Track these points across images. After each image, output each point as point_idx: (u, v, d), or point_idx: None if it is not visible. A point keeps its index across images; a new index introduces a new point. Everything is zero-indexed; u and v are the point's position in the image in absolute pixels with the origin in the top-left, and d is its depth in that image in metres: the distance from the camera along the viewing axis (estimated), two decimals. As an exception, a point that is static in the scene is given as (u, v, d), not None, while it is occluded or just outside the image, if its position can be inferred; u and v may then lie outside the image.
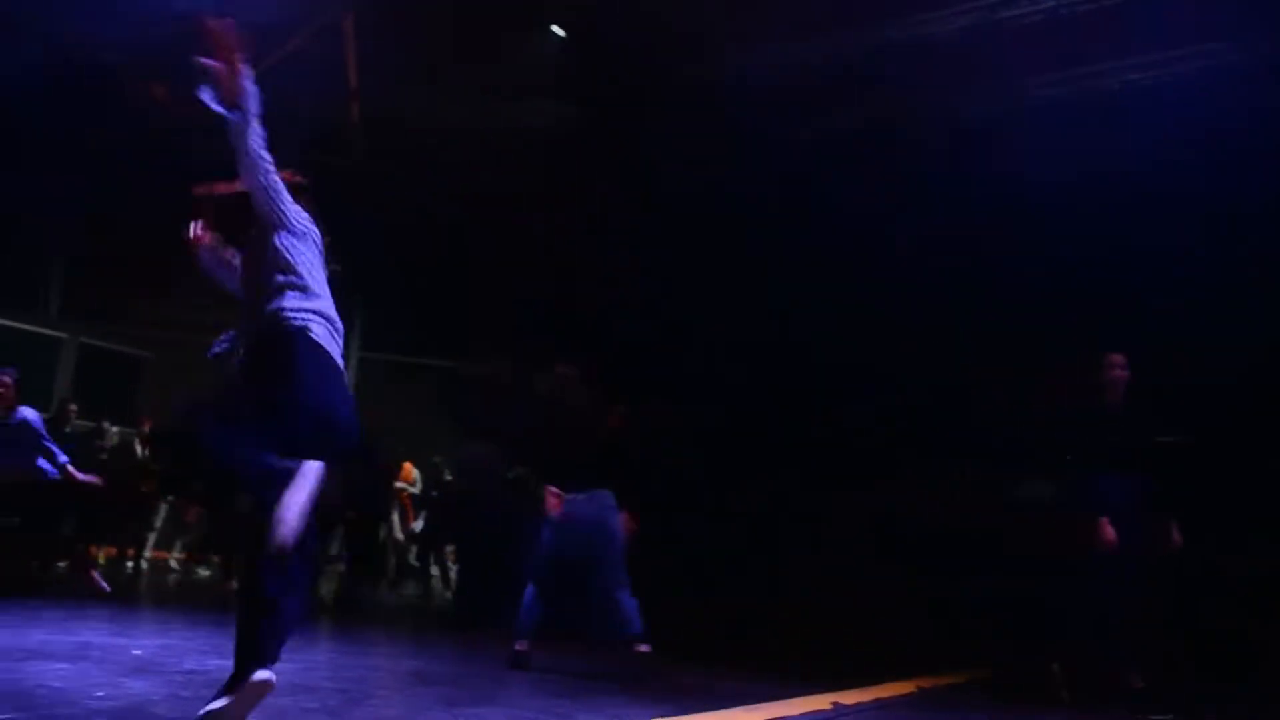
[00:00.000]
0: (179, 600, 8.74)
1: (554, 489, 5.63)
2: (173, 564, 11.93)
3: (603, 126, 14.04)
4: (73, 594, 7.61)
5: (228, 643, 5.34)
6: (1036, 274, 9.30)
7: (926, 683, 6.22)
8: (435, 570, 11.85)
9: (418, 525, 12.30)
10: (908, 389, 10.36)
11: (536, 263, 15.08)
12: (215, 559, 11.38)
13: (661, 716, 4.21)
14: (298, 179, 3.78)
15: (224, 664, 4.59)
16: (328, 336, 3.38)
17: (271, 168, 3.49)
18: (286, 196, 3.53)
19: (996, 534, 8.72)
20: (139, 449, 11.42)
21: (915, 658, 7.21)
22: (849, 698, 5.13)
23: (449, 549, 11.79)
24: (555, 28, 13.75)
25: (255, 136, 3.44)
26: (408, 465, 12.34)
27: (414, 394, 14.55)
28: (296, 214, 3.58)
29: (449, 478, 11.76)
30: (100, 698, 3.66)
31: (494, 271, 15.24)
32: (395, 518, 12.20)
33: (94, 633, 5.47)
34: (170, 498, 11.73)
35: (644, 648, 5.41)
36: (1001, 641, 7.85)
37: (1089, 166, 9.02)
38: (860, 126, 11.04)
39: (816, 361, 10.87)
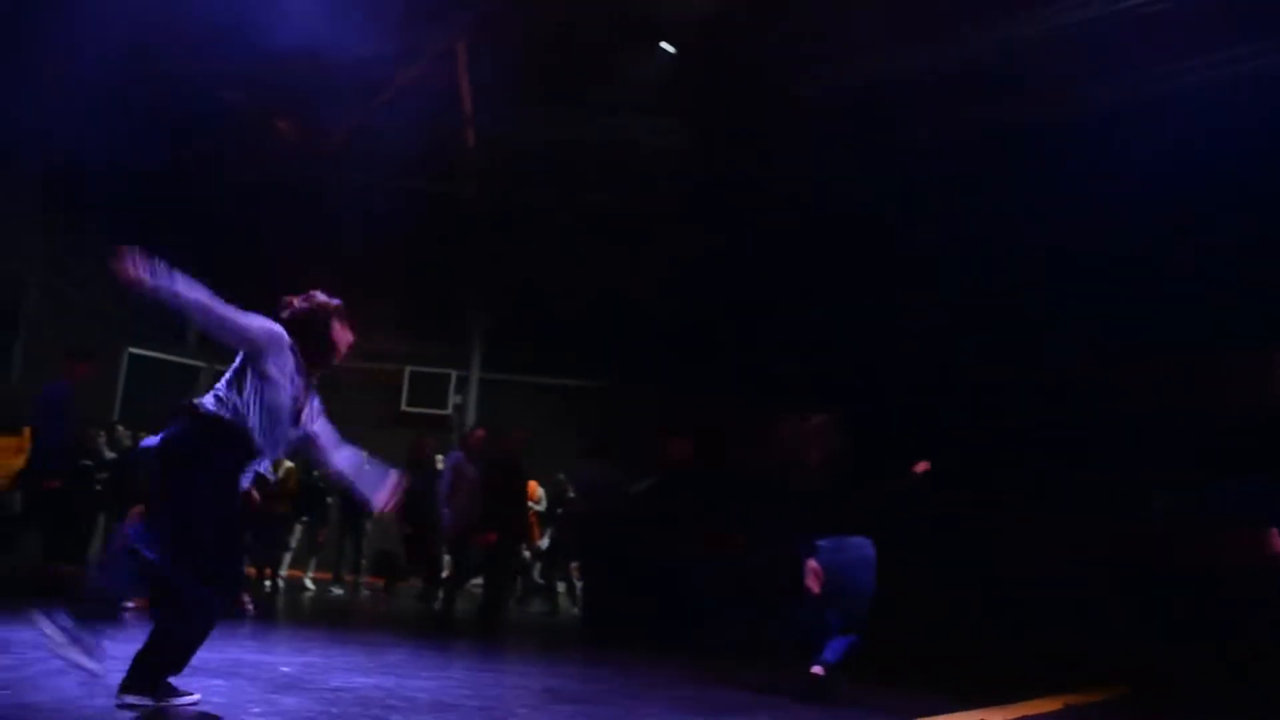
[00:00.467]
0: (316, 618, 8.96)
1: (814, 565, 5.54)
2: (307, 583, 12.25)
3: (718, 140, 14.02)
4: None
5: (370, 662, 5.50)
6: (1183, 266, 8.93)
7: (1074, 699, 6.00)
8: (562, 587, 11.90)
9: (543, 543, 12.38)
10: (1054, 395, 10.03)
11: (657, 279, 15.13)
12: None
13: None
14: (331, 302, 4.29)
15: (368, 682, 4.71)
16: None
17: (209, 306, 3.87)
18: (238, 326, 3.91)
19: (1139, 546, 8.40)
20: (270, 472, 11.78)
21: (1059, 672, 6.97)
22: (996, 715, 4.97)
23: (574, 565, 11.84)
24: (665, 44, 13.80)
25: (181, 301, 3.81)
26: (533, 483, 12.43)
27: (535, 413, 14.69)
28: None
29: (572, 495, 11.84)
30: (256, 714, 3.76)
31: (613, 288, 15.31)
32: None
33: (242, 650, 5.63)
34: (304, 518, 12.08)
35: (817, 669, 5.33)
36: (1146, 655, 7.54)
37: (1228, 156, 8.66)
38: (990, 126, 10.82)
39: (958, 369, 10.63)
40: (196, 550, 3.70)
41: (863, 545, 5.60)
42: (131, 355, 15.06)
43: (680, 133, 14.25)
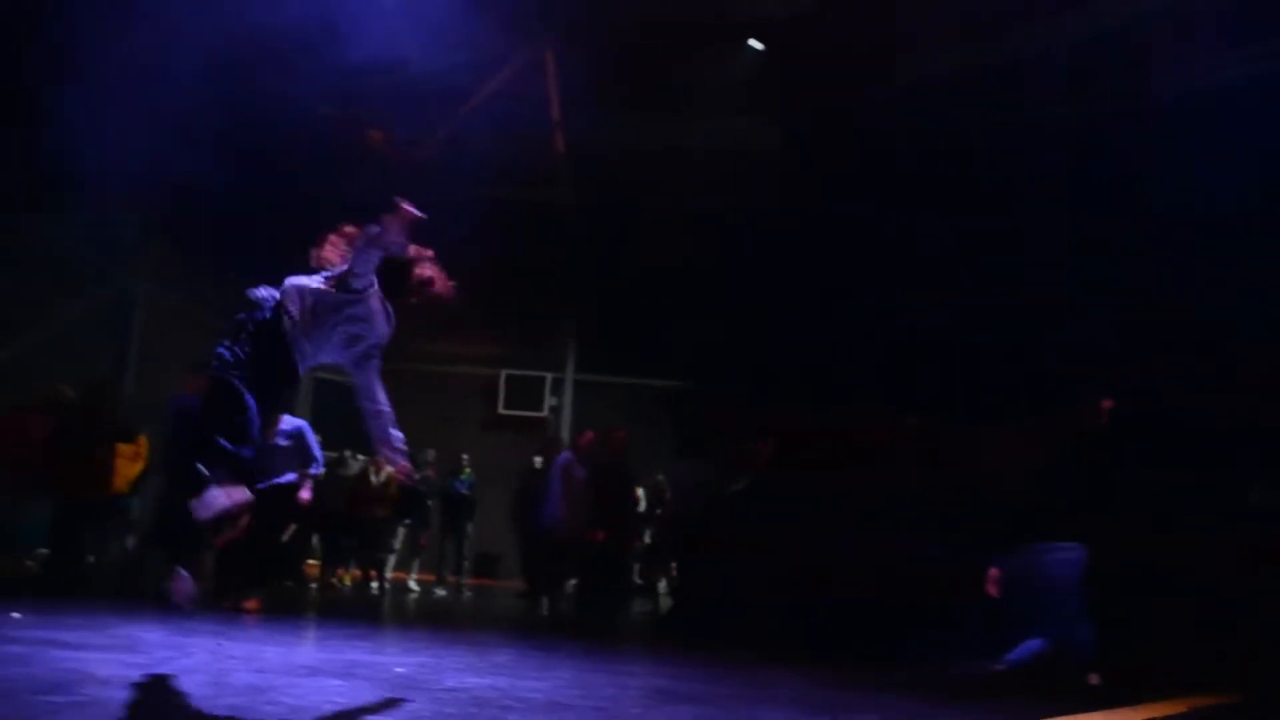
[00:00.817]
0: (422, 620, 9.07)
1: (994, 570, 5.74)
2: (411, 585, 12.44)
3: (810, 136, 13.86)
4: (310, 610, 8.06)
5: (480, 662, 5.54)
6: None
7: (1199, 701, 5.77)
8: (663, 586, 11.91)
9: (643, 543, 12.41)
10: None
11: (752, 279, 15.05)
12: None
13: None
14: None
15: (481, 682, 4.74)
16: None
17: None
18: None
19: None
20: (373, 476, 11.99)
21: (1181, 674, 6.71)
22: (1120, 718, 4.80)
23: (673, 565, 11.83)
24: (752, 41, 13.71)
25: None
26: (632, 484, 12.49)
27: (630, 413, 14.71)
28: None
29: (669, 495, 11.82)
30: (373, 715, 3.80)
31: (705, 287, 15.27)
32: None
33: (357, 651, 5.72)
34: (407, 522, 12.26)
35: (998, 666, 5.33)
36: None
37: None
38: (1090, 109, 10.54)
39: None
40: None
41: (1062, 549, 5.69)
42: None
43: (771, 130, 14.15)
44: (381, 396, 4.64)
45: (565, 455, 9.77)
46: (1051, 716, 4.71)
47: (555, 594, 9.79)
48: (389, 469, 11.57)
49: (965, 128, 12.18)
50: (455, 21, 12.58)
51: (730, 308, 15.32)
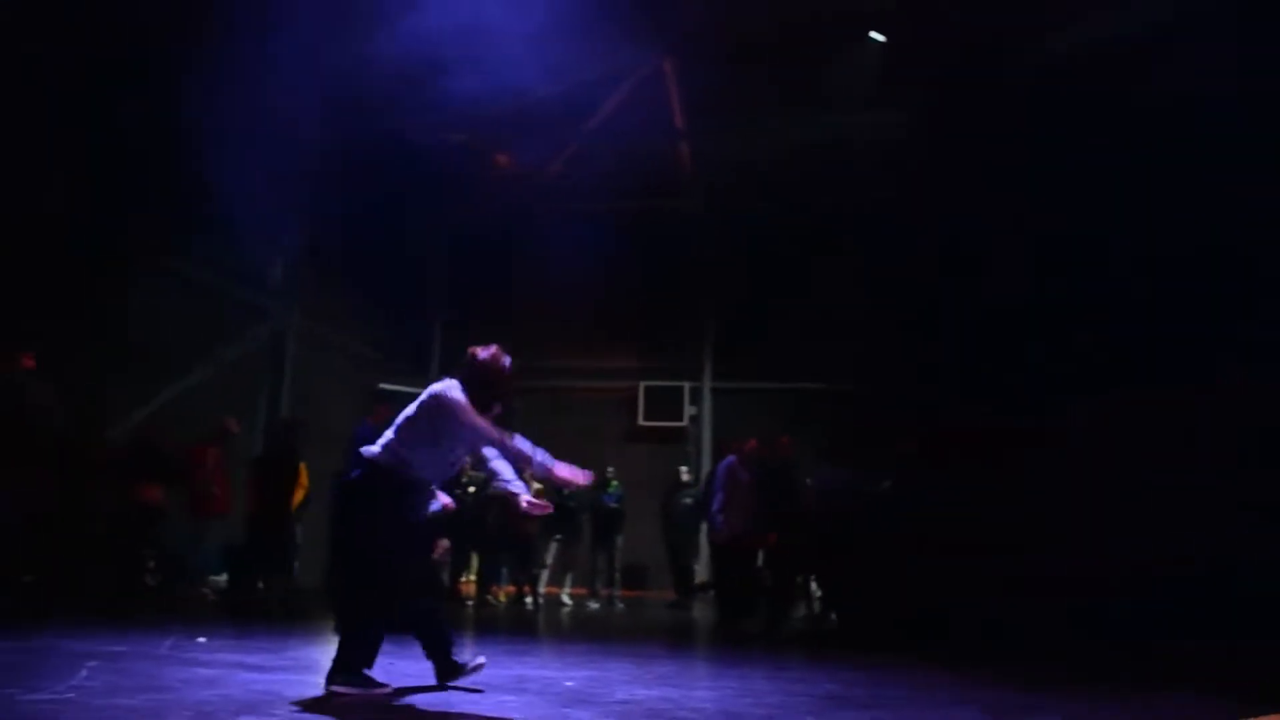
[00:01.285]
0: (579, 633, 9.14)
1: None
2: (564, 599, 12.56)
3: (939, 124, 13.57)
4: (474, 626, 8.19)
5: (645, 673, 5.54)
6: None
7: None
8: (816, 590, 11.73)
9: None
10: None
11: (886, 277, 14.82)
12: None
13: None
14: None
15: (650, 694, 4.73)
16: None
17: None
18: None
19: None
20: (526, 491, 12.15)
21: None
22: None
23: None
24: (874, 34, 13.49)
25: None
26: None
27: (770, 418, 14.60)
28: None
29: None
30: (555, 728, 3.82)
31: (840, 288, 15.09)
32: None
33: (524, 666, 5.79)
34: (559, 537, 12.39)
35: None
36: None
37: None
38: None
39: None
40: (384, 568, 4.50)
41: None
42: (383, 390, 15.89)
43: (899, 121, 13.88)
44: (493, 435, 4.59)
45: (729, 459, 9.55)
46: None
47: (729, 600, 9.67)
48: (536, 485, 11.75)
49: (1093, 103, 11.74)
50: (574, 40, 12.73)
51: (866, 305, 15.09)
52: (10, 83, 9.82)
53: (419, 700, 4.30)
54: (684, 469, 13.90)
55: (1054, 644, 8.42)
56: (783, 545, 9.48)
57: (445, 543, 10.68)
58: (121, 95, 10.71)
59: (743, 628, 9.00)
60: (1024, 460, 9.63)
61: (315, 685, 4.53)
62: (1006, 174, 13.14)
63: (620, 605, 12.65)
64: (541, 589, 12.42)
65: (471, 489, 11.67)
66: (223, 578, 11.52)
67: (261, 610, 9.49)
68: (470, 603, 11.65)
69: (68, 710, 3.63)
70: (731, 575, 9.68)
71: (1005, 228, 13.45)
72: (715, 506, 9.34)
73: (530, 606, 11.60)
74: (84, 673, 4.49)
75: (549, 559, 12.54)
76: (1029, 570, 9.70)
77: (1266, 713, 4.54)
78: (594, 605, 12.37)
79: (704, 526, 14.08)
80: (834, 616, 10.20)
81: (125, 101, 10.72)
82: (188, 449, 10.52)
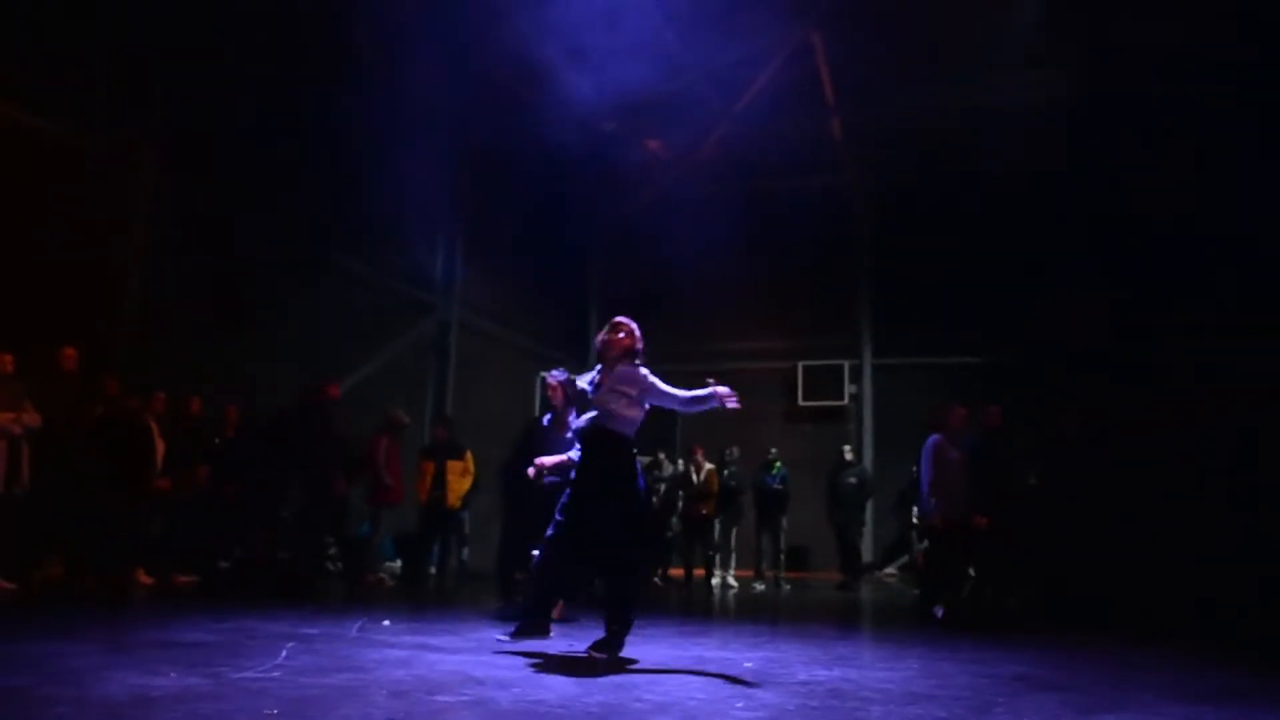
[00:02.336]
0: (750, 614, 9.10)
1: None
2: (730, 580, 12.55)
3: (1100, 84, 12.96)
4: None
5: (824, 654, 5.47)
6: None
7: None
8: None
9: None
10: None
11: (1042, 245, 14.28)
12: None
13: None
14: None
15: (831, 674, 4.66)
16: None
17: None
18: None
19: None
20: (695, 476, 12.22)
21: None
22: None
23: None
24: (1030, -10, 12.94)
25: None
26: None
27: (932, 394, 14.25)
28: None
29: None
30: (740, 709, 3.80)
31: (1001, 259, 14.61)
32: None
33: (701, 648, 5.80)
34: (719, 517, 12.41)
35: None
36: None
37: None
38: None
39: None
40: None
41: None
42: (541, 380, 16.19)
43: (1060, 80, 13.31)
44: (673, 392, 5.29)
45: (934, 437, 8.86)
46: None
47: (939, 587, 8.92)
48: (708, 466, 11.79)
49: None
50: (719, 19, 12.65)
51: (1030, 276, 14.56)
52: (194, 95, 10.39)
53: (602, 680, 4.34)
54: (846, 448, 13.70)
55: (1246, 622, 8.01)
56: (998, 527, 8.73)
57: None
58: (292, 103, 11.18)
59: (951, 614, 8.39)
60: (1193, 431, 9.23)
61: (497, 665, 4.64)
62: (1169, 135, 12.50)
63: (786, 586, 12.57)
64: (716, 570, 12.48)
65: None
66: (397, 564, 11.96)
67: (435, 594, 9.78)
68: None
69: (277, 687, 3.80)
70: (945, 560, 8.96)
71: (1170, 189, 12.82)
72: (924, 488, 8.78)
73: (715, 588, 11.71)
74: (284, 653, 4.70)
75: (718, 540, 12.59)
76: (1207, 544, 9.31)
77: None
78: (759, 587, 12.33)
79: (869, 505, 13.90)
80: (1010, 601, 9.82)
81: (297, 109, 11.20)
82: (363, 441, 10.92)
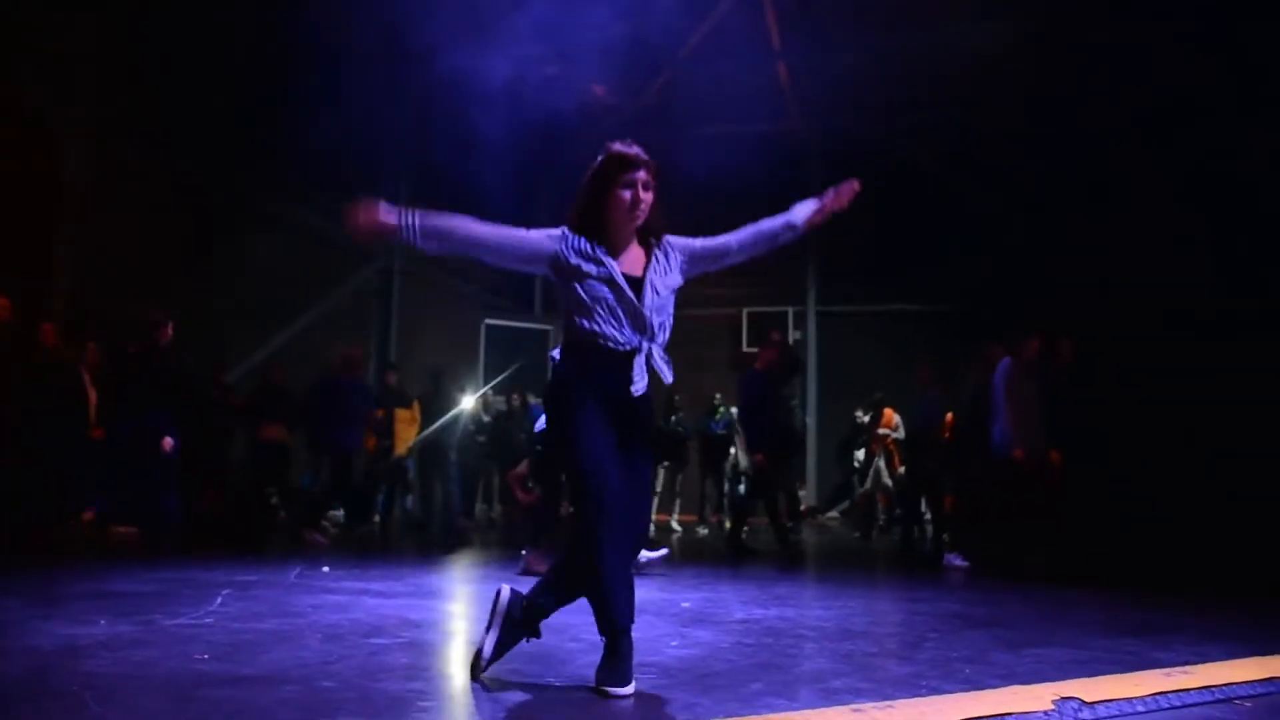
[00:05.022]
0: (693, 558, 9.16)
1: None
2: (674, 525, 12.64)
3: (1050, 36, 12.91)
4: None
5: (763, 594, 5.52)
6: None
7: None
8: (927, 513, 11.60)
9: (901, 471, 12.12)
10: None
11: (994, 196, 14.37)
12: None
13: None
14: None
15: (769, 613, 4.71)
16: None
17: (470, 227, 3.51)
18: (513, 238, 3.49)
19: None
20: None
21: None
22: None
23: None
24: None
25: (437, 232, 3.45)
26: (889, 410, 12.18)
27: (875, 342, 14.40)
28: None
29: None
30: (675, 646, 3.84)
31: (945, 207, 14.69)
32: (882, 463, 12.11)
33: (641, 590, 5.79)
34: (666, 464, 12.46)
35: None
36: None
37: None
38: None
39: None
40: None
41: None
42: (488, 326, 16.11)
43: (1007, 33, 13.29)
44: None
45: (1007, 361, 7.98)
46: None
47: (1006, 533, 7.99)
48: None
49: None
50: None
51: (973, 224, 14.66)
52: (128, 47, 10.09)
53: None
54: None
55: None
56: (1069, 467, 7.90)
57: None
58: (228, 42, 10.91)
59: (1025, 564, 7.56)
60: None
61: (437, 610, 4.64)
62: (1120, 86, 12.57)
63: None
64: (652, 516, 12.53)
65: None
66: (340, 513, 11.90)
67: (379, 542, 9.76)
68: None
69: (208, 633, 3.78)
70: (1015, 501, 7.83)
71: (1112, 144, 12.93)
72: (998, 418, 7.89)
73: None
74: (219, 600, 4.67)
75: (658, 486, 12.62)
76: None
77: None
78: (703, 531, 12.43)
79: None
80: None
81: (237, 58, 10.93)
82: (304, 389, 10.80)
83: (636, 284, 3.32)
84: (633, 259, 3.39)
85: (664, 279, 3.41)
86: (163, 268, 10.38)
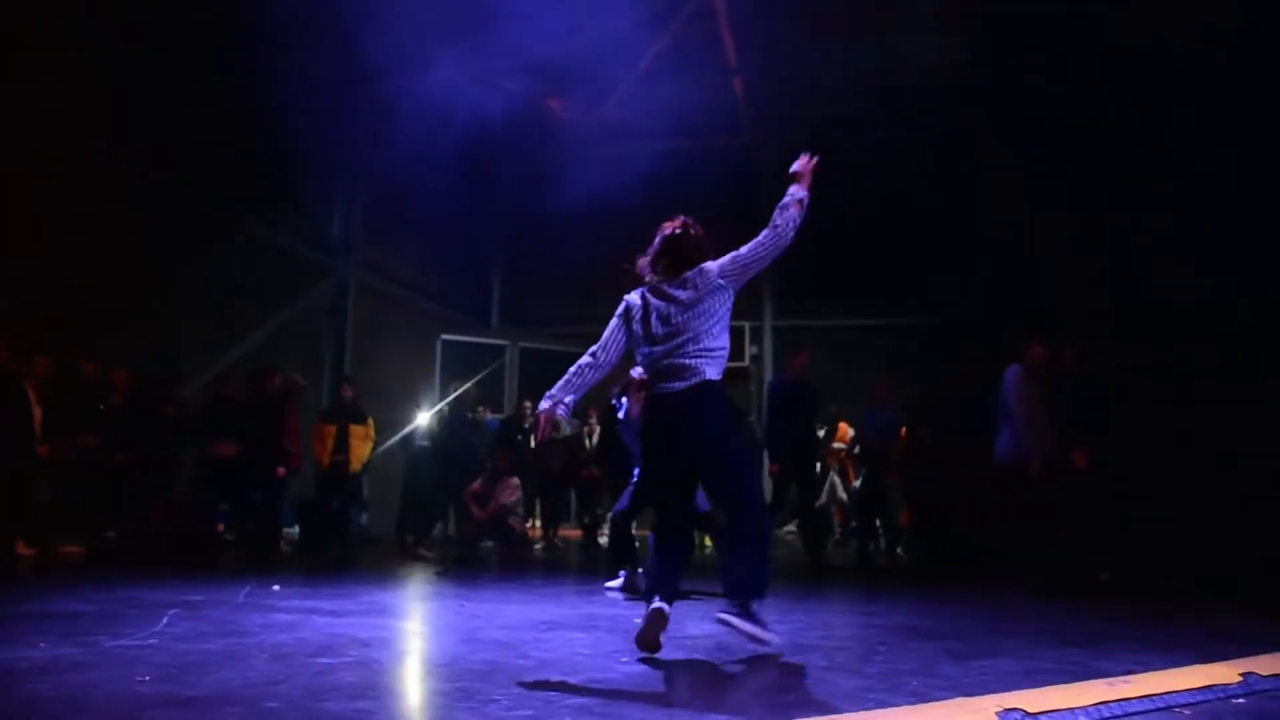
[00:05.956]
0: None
1: None
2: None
3: (1005, 53, 13.08)
4: (547, 569, 8.27)
5: (713, 609, 5.52)
6: None
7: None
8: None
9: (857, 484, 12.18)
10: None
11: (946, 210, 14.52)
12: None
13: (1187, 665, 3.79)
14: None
15: (719, 629, 4.69)
16: None
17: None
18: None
19: None
20: (587, 441, 12.21)
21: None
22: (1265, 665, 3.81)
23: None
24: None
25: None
26: (843, 425, 12.26)
27: (834, 356, 14.47)
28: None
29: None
30: (626, 663, 3.83)
31: (903, 221, 14.81)
32: (836, 477, 12.17)
33: (593, 605, 5.83)
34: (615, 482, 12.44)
35: None
36: None
37: None
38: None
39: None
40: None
41: None
42: (444, 341, 16.02)
43: (962, 50, 13.47)
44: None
45: (1015, 368, 7.79)
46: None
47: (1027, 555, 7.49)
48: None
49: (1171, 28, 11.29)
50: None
51: (929, 238, 14.80)
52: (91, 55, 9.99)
53: (489, 637, 4.34)
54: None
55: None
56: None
57: (516, 481, 10.77)
58: (193, 64, 10.83)
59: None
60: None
61: (387, 627, 4.61)
62: (1067, 102, 12.77)
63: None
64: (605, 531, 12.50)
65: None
66: (295, 530, 11.77)
67: (334, 560, 9.66)
68: (537, 546, 11.75)
69: (152, 654, 3.72)
70: (1045, 514, 7.34)
71: (1068, 157, 13.13)
72: (1006, 427, 7.68)
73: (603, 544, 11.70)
74: (166, 620, 4.60)
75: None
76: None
77: None
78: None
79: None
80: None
81: (196, 73, 10.85)
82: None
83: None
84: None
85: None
86: (118, 281, 10.26)
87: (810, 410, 9.40)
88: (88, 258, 9.88)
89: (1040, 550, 7.34)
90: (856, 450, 11.61)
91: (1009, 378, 7.73)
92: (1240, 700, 3.27)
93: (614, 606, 5.81)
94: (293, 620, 4.79)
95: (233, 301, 12.11)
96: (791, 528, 15.19)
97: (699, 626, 4.87)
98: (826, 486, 12.34)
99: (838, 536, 12.56)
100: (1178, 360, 10.71)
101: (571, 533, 12.92)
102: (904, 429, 10.06)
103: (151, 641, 4.02)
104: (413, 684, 3.28)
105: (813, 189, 4.61)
